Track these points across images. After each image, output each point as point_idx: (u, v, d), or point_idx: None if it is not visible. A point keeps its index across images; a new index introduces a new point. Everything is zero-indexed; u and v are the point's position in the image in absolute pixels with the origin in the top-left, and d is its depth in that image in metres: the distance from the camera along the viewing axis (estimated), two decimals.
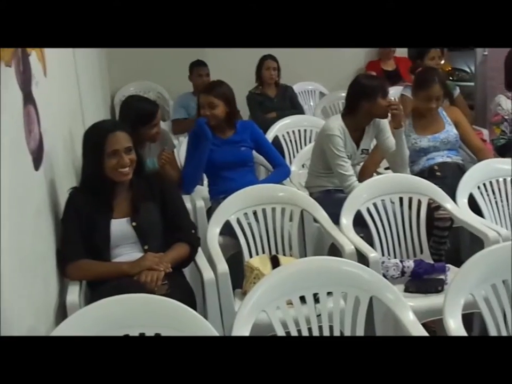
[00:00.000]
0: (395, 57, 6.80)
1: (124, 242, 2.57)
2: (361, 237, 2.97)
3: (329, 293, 2.09)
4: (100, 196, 2.57)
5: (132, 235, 2.58)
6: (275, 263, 2.81)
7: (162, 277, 2.44)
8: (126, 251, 2.57)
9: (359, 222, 3.07)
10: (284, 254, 3.07)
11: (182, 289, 2.52)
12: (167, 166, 3.53)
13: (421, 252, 3.12)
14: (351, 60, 6.80)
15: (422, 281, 2.84)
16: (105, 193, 2.58)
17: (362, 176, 3.67)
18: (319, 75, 6.55)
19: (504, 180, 3.30)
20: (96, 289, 2.39)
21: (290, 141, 4.76)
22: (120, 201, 2.62)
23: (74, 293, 2.33)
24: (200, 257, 2.73)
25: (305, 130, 4.77)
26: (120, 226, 2.57)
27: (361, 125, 3.59)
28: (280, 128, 4.71)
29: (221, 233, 3.01)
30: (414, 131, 3.83)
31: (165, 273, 2.46)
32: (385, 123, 3.61)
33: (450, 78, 8.01)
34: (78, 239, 2.48)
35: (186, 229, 2.72)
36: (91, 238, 2.51)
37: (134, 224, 2.58)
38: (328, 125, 3.56)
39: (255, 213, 3.10)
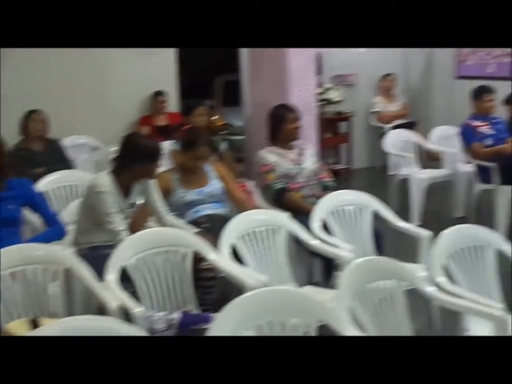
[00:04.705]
0: (166, 113, 6.96)
1: None
2: (131, 292, 2.95)
3: None
4: None
5: None
6: (35, 327, 2.67)
7: None
8: None
9: (128, 277, 3.04)
10: (49, 315, 2.94)
11: None
12: None
13: (189, 303, 3.17)
14: (123, 114, 6.84)
15: (189, 332, 2.88)
16: None
17: (132, 230, 3.65)
18: (92, 128, 6.46)
19: (266, 229, 3.48)
20: None
21: (60, 196, 4.61)
22: None
23: None
24: None
25: (71, 186, 4.65)
26: None
27: (129, 183, 3.60)
28: (48, 184, 4.55)
29: None
30: (181, 185, 3.92)
31: None
32: (151, 183, 3.66)
33: (224, 131, 8.37)
34: None
35: None
36: None
37: None
38: (97, 181, 3.52)
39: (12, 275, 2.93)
